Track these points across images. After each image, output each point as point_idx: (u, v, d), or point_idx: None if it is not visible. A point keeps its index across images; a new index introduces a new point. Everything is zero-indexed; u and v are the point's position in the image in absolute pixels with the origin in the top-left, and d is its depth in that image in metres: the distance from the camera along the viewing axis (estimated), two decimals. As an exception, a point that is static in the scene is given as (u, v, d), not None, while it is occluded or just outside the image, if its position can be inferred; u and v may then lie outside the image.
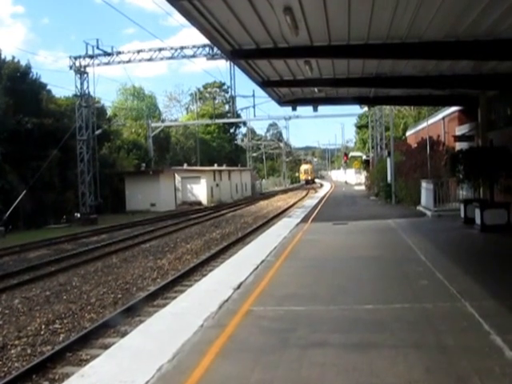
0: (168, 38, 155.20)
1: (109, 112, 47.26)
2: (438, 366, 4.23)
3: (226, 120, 58.07)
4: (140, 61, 28.48)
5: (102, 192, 30.09)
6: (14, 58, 30.41)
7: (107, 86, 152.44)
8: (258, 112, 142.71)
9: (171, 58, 28.20)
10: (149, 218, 28.85)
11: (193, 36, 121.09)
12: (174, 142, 58.08)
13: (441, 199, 16.72)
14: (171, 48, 27.82)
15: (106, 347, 6.21)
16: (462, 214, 14.07)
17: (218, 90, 75.08)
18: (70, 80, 28.58)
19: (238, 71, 23.64)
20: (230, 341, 5.08)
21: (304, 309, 6.22)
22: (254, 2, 7.81)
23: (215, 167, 49.52)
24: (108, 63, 28.55)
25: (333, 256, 10.08)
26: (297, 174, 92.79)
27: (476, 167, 13.25)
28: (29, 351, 7.39)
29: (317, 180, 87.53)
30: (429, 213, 16.90)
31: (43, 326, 8.52)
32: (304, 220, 17.35)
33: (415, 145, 25.46)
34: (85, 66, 28.40)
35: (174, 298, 8.40)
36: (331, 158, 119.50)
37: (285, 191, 61.29)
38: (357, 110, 44.43)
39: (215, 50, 24.53)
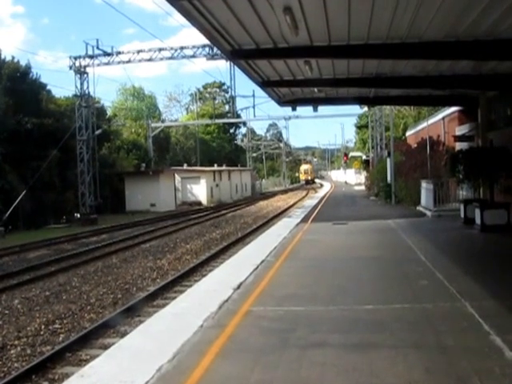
0: (168, 38, 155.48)
1: (109, 112, 47.31)
2: (438, 366, 4.23)
3: (225, 120, 58.07)
4: (140, 61, 28.49)
5: (102, 192, 30.10)
6: (13, 58, 30.47)
7: (107, 86, 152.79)
8: (258, 112, 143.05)
9: (171, 58, 28.21)
10: (149, 218, 28.84)
11: (193, 36, 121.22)
12: (174, 142, 58.08)
13: (441, 199, 16.72)
14: (171, 48, 27.83)
15: (106, 347, 6.21)
16: (462, 214, 14.06)
17: (217, 90, 75.09)
18: (70, 80, 28.75)
19: (237, 71, 23.62)
20: (229, 341, 5.08)
21: (304, 309, 6.22)
22: (254, 2, 7.81)
23: (215, 167, 49.52)
24: (108, 63, 28.55)
25: (333, 256, 10.08)
26: (297, 174, 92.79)
27: (476, 167, 13.26)
28: (28, 351, 7.38)
29: (317, 180, 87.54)
30: (429, 213, 16.89)
31: (43, 326, 8.52)
32: (304, 220, 17.35)
33: (415, 145, 25.47)
34: (85, 66, 28.41)
35: (174, 298, 8.40)
36: (331, 158, 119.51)
37: (285, 191, 61.26)
38: (357, 110, 44.48)
39: (215, 50, 24.52)
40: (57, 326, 8.60)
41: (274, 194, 54.75)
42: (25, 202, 25.03)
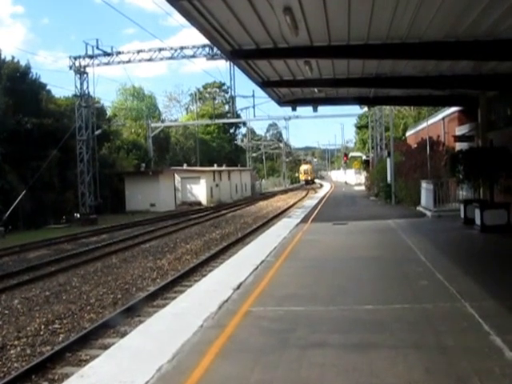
0: (168, 38, 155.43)
1: (108, 112, 47.30)
2: (438, 366, 4.22)
3: (225, 120, 58.06)
4: (140, 61, 28.49)
5: (102, 192, 30.09)
6: (13, 58, 30.46)
7: (107, 86, 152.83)
8: (258, 112, 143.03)
9: (171, 58, 28.21)
10: (148, 218, 28.84)
11: (193, 36, 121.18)
12: (174, 143, 58.06)
13: (441, 199, 16.72)
14: (171, 48, 27.83)
15: (106, 347, 6.21)
16: (462, 215, 14.06)
17: (217, 90, 75.07)
18: (70, 80, 28.85)
19: (237, 71, 23.56)
20: (229, 341, 5.07)
21: (304, 309, 6.21)
22: (254, 2, 7.80)
23: (215, 167, 49.51)
24: (108, 63, 28.55)
25: (333, 256, 10.08)
26: (296, 175, 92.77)
27: (476, 167, 13.25)
28: (28, 351, 7.38)
29: (316, 180, 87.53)
30: (429, 213, 16.89)
31: (43, 327, 8.52)
32: (304, 220, 17.35)
33: (415, 145, 25.46)
34: (84, 66, 28.41)
35: (174, 298, 8.41)
36: (331, 158, 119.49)
37: (285, 191, 61.27)
38: (357, 110, 44.50)
39: (215, 50, 24.51)
40: (56, 326, 8.60)
41: (273, 194, 54.75)
42: (25, 202, 25.03)
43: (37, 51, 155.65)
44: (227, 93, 69.37)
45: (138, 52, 28.22)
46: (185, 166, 46.06)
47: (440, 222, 15.34)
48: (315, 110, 19.07)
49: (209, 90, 74.72)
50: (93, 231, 22.97)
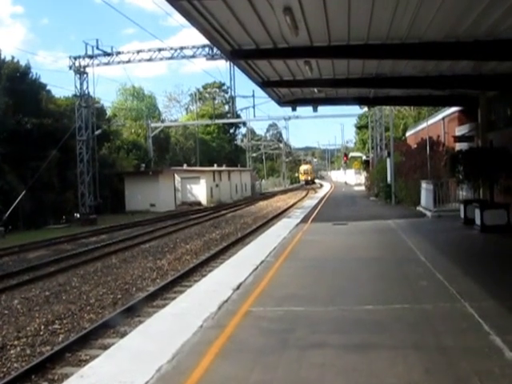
0: (168, 39, 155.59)
1: (108, 112, 47.31)
2: (438, 366, 4.22)
3: (225, 120, 58.09)
4: (140, 61, 28.48)
5: (102, 192, 30.07)
6: (13, 58, 30.45)
7: (107, 86, 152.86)
8: (258, 112, 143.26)
9: (171, 58, 28.20)
10: (148, 218, 28.84)
11: (193, 36, 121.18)
12: (174, 143, 58.05)
13: (441, 200, 16.71)
14: (171, 48, 27.82)
15: (106, 348, 6.20)
16: (462, 215, 14.06)
17: (217, 90, 75.07)
18: (70, 80, 28.93)
19: (237, 71, 23.53)
20: (229, 341, 5.07)
21: (303, 309, 6.21)
22: (254, 2, 7.80)
23: (215, 167, 49.52)
24: (108, 63, 28.54)
25: (333, 256, 10.07)
26: (296, 175, 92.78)
27: (476, 168, 13.25)
28: (28, 352, 7.38)
29: (316, 180, 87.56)
30: (429, 213, 16.89)
31: (42, 327, 8.51)
32: (304, 220, 17.34)
33: (415, 145, 25.44)
34: (84, 66, 28.39)
35: (174, 298, 8.40)
36: (331, 158, 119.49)
37: (284, 191, 61.30)
38: (357, 110, 44.54)
39: (215, 50, 24.50)
40: (56, 326, 8.59)
41: (273, 195, 54.77)
42: (24, 203, 25.02)
43: (37, 51, 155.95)
44: (227, 93, 69.46)
45: (138, 52, 28.20)
46: (185, 166, 46.05)
47: (440, 222, 15.34)
48: (315, 110, 19.08)
49: (209, 90, 74.72)
50: (92, 231, 22.97)
